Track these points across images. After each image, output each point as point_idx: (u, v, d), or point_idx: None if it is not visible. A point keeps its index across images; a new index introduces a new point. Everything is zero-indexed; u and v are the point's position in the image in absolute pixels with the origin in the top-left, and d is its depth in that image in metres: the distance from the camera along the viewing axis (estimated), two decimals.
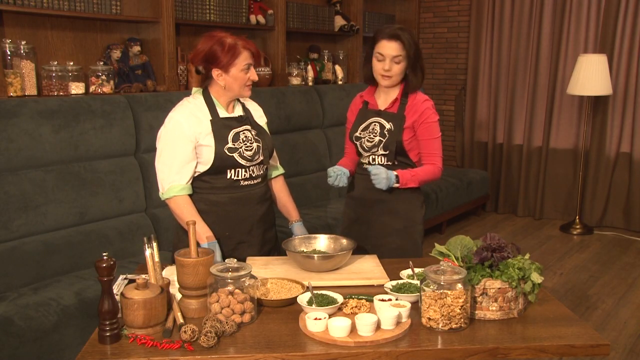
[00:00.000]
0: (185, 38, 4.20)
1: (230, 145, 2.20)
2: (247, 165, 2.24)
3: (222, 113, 2.24)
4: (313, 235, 2.34)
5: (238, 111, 2.30)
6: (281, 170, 2.56)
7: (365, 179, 2.52)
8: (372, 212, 2.55)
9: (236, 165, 2.22)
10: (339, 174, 2.43)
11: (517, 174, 6.07)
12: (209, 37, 2.18)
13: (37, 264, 2.89)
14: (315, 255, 2.11)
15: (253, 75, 2.22)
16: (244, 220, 2.29)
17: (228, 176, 2.23)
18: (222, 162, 2.19)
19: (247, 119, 2.31)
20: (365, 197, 2.56)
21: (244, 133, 2.25)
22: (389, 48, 2.39)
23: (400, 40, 2.38)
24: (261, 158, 2.30)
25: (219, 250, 2.19)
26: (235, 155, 2.20)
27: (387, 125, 2.47)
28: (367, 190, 2.53)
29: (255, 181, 2.30)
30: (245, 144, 2.23)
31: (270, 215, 2.42)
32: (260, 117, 2.41)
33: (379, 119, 2.49)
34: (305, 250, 2.24)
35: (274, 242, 2.45)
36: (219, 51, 2.15)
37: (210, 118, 2.21)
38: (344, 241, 2.27)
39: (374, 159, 2.51)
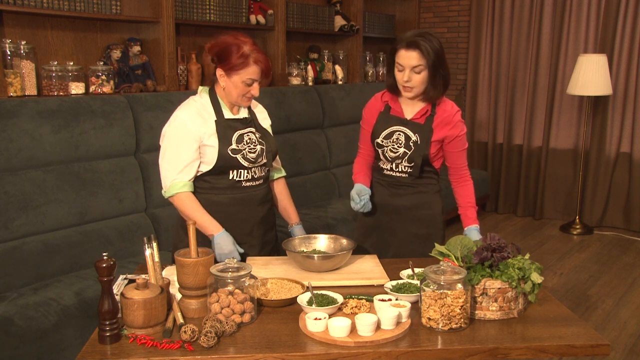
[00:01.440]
0: (185, 38, 4.20)
1: (233, 146, 2.20)
2: (250, 167, 2.25)
3: (227, 114, 2.24)
4: (313, 235, 2.34)
5: (243, 113, 2.30)
6: (283, 173, 2.55)
7: (386, 185, 2.49)
8: (396, 219, 2.49)
9: (239, 167, 2.22)
10: (365, 202, 2.37)
11: (517, 174, 6.06)
12: (232, 36, 2.17)
13: (37, 264, 2.89)
14: (315, 255, 2.11)
15: (255, 90, 2.19)
16: (244, 221, 2.29)
17: (230, 177, 2.23)
18: (225, 163, 2.19)
19: (251, 121, 2.30)
20: (388, 203, 2.50)
21: (247, 135, 2.25)
22: (407, 58, 2.25)
23: (419, 49, 2.24)
24: (264, 161, 2.29)
25: (231, 238, 2.16)
26: (239, 156, 2.21)
27: (413, 137, 2.36)
28: (390, 197, 2.49)
29: (257, 182, 2.30)
30: (249, 146, 2.23)
31: (271, 216, 2.42)
32: (264, 119, 2.41)
33: (404, 128, 2.38)
34: (305, 250, 2.24)
35: (274, 244, 2.45)
36: (233, 53, 2.13)
37: (215, 119, 2.21)
38: (344, 241, 2.27)
39: (397, 166, 2.44)
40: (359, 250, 2.41)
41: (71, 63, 3.43)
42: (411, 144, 2.37)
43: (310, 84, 5.02)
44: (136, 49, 3.79)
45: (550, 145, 5.81)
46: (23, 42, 3.24)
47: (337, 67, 5.35)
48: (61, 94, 3.35)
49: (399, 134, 2.39)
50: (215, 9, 4.15)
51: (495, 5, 5.90)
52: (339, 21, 5.34)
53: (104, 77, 3.54)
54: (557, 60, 5.65)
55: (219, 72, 2.18)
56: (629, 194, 5.51)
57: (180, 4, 3.92)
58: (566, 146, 5.76)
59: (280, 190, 2.53)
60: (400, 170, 2.44)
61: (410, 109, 2.41)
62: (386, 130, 2.41)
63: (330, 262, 2.10)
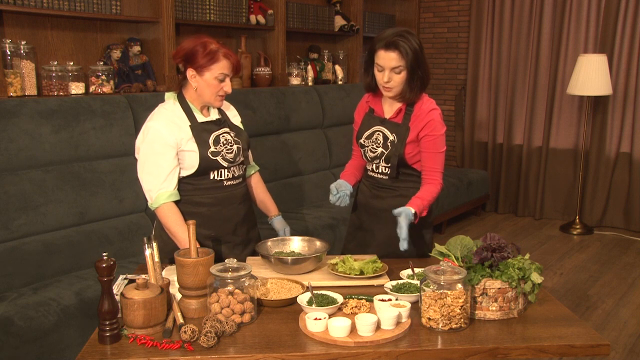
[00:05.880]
0: (185, 38, 4.18)
1: (212, 149, 2.20)
2: (229, 166, 2.26)
3: (200, 117, 2.24)
4: (288, 237, 2.34)
5: (214, 114, 2.30)
6: (256, 168, 2.57)
7: (370, 186, 2.48)
8: (377, 220, 2.47)
9: (219, 167, 2.23)
10: (341, 196, 2.34)
11: (517, 174, 6.07)
12: (195, 38, 2.20)
13: (37, 264, 2.89)
14: (290, 258, 2.09)
15: (227, 87, 2.19)
16: (227, 220, 2.30)
17: (211, 177, 2.24)
18: (207, 166, 2.20)
19: (224, 121, 2.31)
20: (370, 205, 2.49)
21: (223, 136, 2.25)
22: (387, 59, 2.20)
23: (398, 50, 2.19)
24: (242, 159, 2.32)
25: None
26: (219, 158, 2.22)
27: (390, 137, 2.33)
28: (372, 199, 2.48)
29: (237, 181, 2.32)
30: (226, 147, 2.24)
31: (252, 214, 2.44)
32: (234, 116, 2.41)
33: (382, 128, 2.36)
34: (278, 252, 2.24)
35: (257, 241, 2.45)
36: (200, 52, 2.15)
37: (189, 124, 2.20)
38: (318, 243, 2.27)
39: (377, 167, 2.42)
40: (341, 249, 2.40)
41: (71, 63, 3.43)
42: (389, 144, 2.35)
43: (310, 84, 5.02)
44: (136, 49, 3.79)
45: (550, 145, 5.81)
46: (23, 42, 3.24)
47: (337, 67, 5.35)
48: (61, 94, 3.35)
49: (378, 134, 2.37)
50: (215, 9, 4.15)
51: (495, 5, 5.91)
52: (339, 21, 5.34)
53: (104, 77, 3.54)
54: (557, 60, 5.65)
55: (190, 72, 2.18)
56: (629, 194, 5.51)
57: (180, 4, 3.92)
58: (566, 146, 5.76)
59: (257, 184, 2.54)
60: (380, 171, 2.42)
61: (389, 108, 2.39)
62: (368, 131, 2.41)
63: (301, 266, 2.08)
